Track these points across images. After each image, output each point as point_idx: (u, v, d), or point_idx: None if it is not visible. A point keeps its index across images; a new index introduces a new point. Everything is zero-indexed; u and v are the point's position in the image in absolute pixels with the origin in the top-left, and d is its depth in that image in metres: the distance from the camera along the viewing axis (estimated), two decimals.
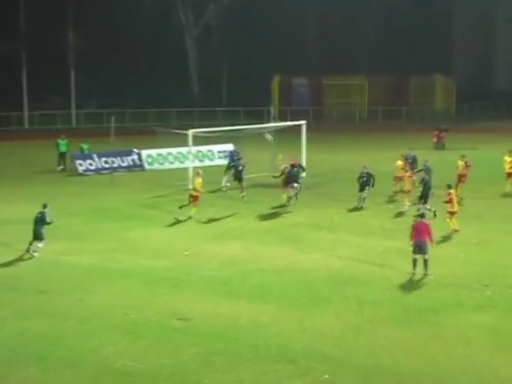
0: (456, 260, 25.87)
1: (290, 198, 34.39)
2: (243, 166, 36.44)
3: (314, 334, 19.72)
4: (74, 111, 69.75)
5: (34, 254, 26.23)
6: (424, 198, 32.55)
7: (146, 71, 72.17)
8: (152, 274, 25.07)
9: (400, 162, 36.58)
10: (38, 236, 26.30)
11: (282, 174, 35.57)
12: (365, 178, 35.13)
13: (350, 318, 20.88)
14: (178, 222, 32.87)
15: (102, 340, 19.24)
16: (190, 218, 32.53)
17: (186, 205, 32.92)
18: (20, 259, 26.66)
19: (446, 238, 29.11)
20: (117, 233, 28.66)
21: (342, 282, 24.43)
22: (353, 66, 71.50)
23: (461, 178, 36.26)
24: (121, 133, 52.45)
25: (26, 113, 68.25)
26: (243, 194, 35.63)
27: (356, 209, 34.08)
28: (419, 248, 24.51)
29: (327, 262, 26.59)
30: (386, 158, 42.69)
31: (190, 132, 41.63)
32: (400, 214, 33.04)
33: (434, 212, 31.62)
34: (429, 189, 33.63)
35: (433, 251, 24.94)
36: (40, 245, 26.37)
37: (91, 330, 19.99)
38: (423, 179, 34.83)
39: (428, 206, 31.66)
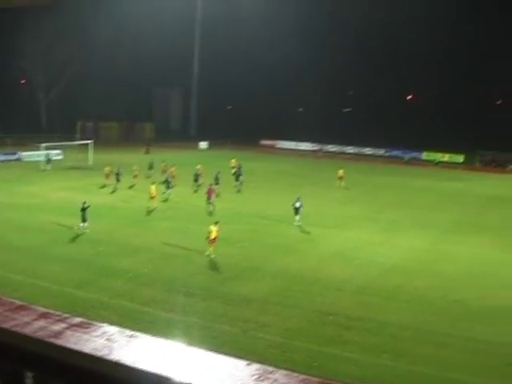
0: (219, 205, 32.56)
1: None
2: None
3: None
4: None
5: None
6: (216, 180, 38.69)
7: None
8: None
9: (152, 186, 33.98)
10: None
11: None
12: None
13: (133, 217, 29.76)
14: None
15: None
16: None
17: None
18: None
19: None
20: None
21: (114, 207, 32.60)
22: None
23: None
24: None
25: None
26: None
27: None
28: (209, 198, 31.79)
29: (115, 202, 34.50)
30: None
31: (43, 145, 52.84)
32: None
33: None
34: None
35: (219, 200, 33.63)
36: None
37: None
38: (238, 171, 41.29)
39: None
